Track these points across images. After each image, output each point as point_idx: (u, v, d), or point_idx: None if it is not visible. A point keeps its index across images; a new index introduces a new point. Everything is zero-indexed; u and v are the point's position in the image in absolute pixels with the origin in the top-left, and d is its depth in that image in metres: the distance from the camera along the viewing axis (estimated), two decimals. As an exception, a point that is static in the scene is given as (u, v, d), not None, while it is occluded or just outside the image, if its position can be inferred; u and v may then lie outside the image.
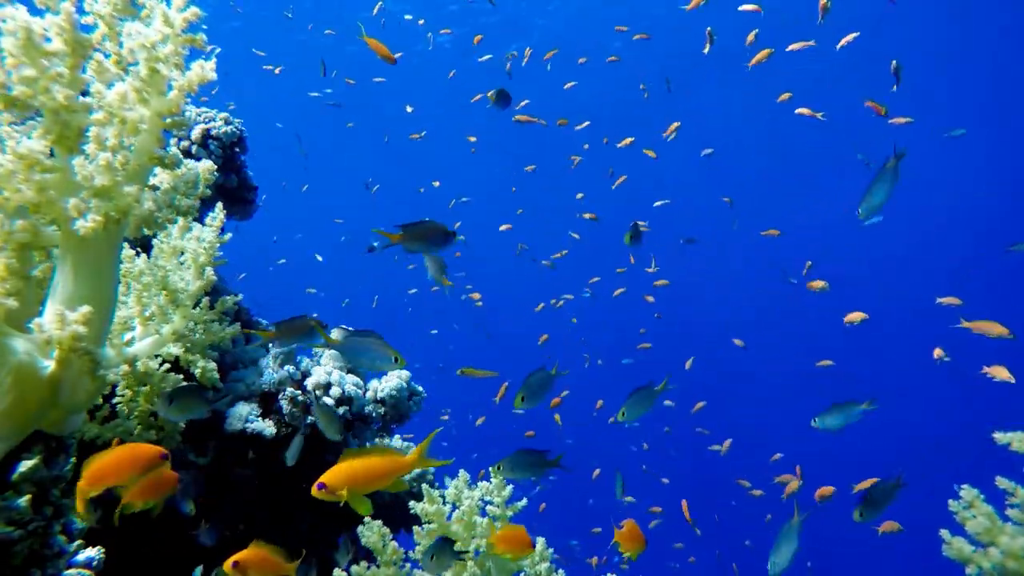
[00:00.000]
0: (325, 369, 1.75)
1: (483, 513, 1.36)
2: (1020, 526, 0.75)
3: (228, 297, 1.24)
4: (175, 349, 1.20)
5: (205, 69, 0.77)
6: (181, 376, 1.22)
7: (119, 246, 0.83)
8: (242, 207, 2.18)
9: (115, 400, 1.17)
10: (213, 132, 2.05)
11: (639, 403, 1.48)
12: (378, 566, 1.31)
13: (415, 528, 1.36)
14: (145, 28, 0.74)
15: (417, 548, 1.36)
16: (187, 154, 2.01)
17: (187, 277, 1.15)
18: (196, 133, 2.02)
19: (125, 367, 1.13)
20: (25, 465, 0.87)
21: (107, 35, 0.76)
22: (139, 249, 1.17)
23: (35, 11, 0.70)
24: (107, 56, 0.76)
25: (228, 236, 1.21)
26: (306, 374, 1.76)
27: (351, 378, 1.76)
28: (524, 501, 1.39)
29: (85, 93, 0.74)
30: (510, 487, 1.36)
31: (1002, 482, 0.77)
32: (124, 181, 0.76)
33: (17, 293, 0.74)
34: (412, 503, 1.35)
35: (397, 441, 2.10)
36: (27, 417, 0.79)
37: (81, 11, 0.73)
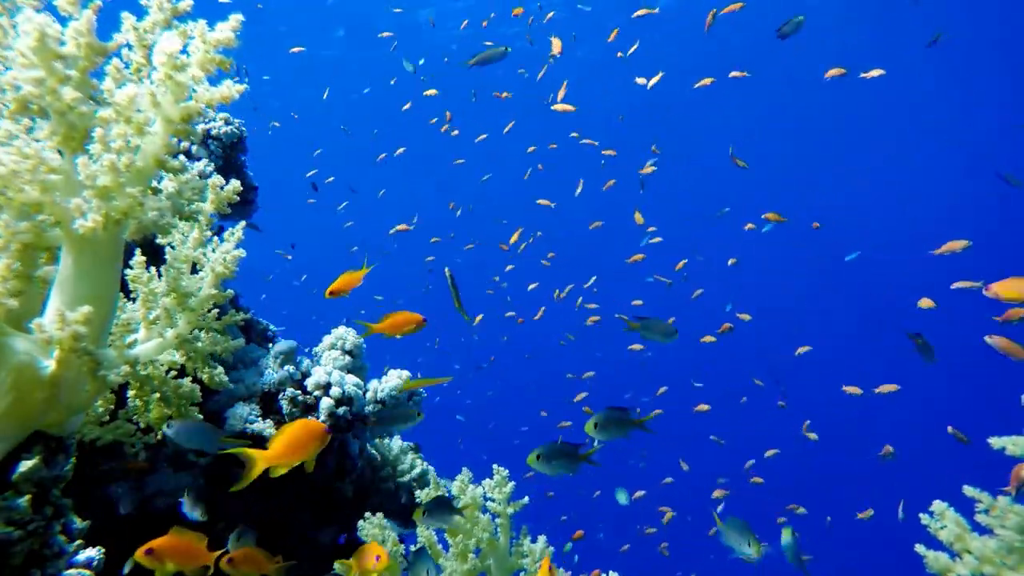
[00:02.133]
0: (325, 369, 1.75)
1: (483, 510, 1.38)
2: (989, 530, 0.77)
3: (238, 314, 1.24)
4: (178, 356, 1.19)
5: (232, 89, 0.80)
6: (189, 379, 1.21)
7: (120, 247, 0.83)
8: (242, 208, 2.19)
9: (128, 401, 1.17)
10: (213, 132, 2.05)
11: (612, 426, 1.37)
12: None
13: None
14: (171, 36, 0.76)
15: (419, 541, 1.37)
16: (187, 155, 2.01)
17: (199, 284, 1.14)
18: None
19: (127, 368, 1.12)
20: (25, 465, 0.87)
21: (134, 44, 0.78)
22: (149, 258, 1.15)
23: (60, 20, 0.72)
24: (128, 64, 0.78)
25: (243, 253, 1.17)
26: (306, 374, 1.76)
27: (351, 378, 1.76)
28: (525, 499, 1.40)
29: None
30: (511, 484, 1.38)
31: (968, 491, 0.80)
32: (127, 183, 0.76)
33: (19, 294, 0.74)
34: (418, 492, 1.38)
35: (397, 441, 2.10)
36: (27, 417, 0.80)
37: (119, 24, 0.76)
